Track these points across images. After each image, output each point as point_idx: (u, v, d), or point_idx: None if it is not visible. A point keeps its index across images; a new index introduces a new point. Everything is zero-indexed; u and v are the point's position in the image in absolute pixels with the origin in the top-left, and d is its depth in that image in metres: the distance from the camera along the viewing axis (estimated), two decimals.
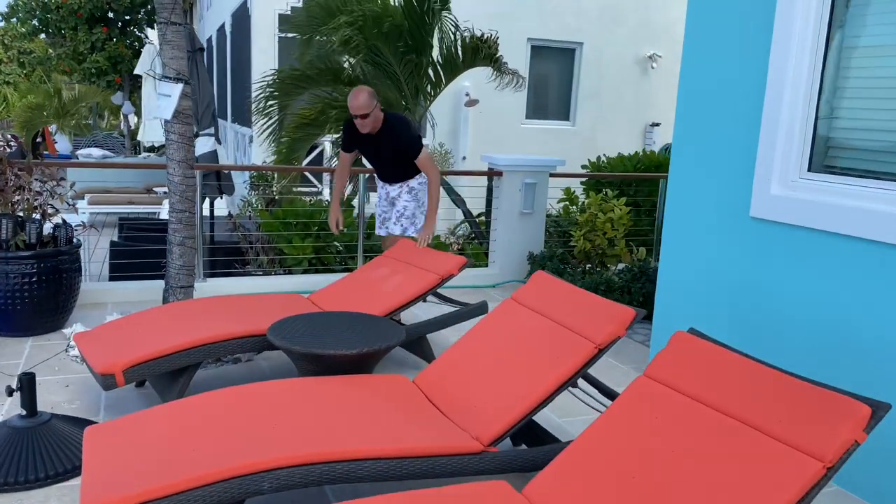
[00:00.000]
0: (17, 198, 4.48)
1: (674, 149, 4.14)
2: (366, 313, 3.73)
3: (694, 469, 2.06)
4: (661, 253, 4.25)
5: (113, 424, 2.61)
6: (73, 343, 4.36)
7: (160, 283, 5.49)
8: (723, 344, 2.46)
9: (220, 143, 10.20)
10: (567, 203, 6.87)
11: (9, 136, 5.21)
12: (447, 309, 4.34)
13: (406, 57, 6.97)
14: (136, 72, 13.20)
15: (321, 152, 9.83)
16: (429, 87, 7.36)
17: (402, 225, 4.84)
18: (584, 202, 7.04)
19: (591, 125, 11.46)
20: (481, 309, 4.25)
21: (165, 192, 11.71)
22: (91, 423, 3.29)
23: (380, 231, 5.03)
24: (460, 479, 2.36)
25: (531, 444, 3.02)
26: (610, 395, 2.90)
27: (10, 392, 2.97)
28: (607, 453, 2.26)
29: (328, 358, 3.06)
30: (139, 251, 5.93)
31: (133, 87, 19.72)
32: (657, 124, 11.83)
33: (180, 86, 4.27)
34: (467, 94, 10.37)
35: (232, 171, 6.74)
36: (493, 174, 6.50)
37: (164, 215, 9.45)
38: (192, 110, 4.40)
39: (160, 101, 4.28)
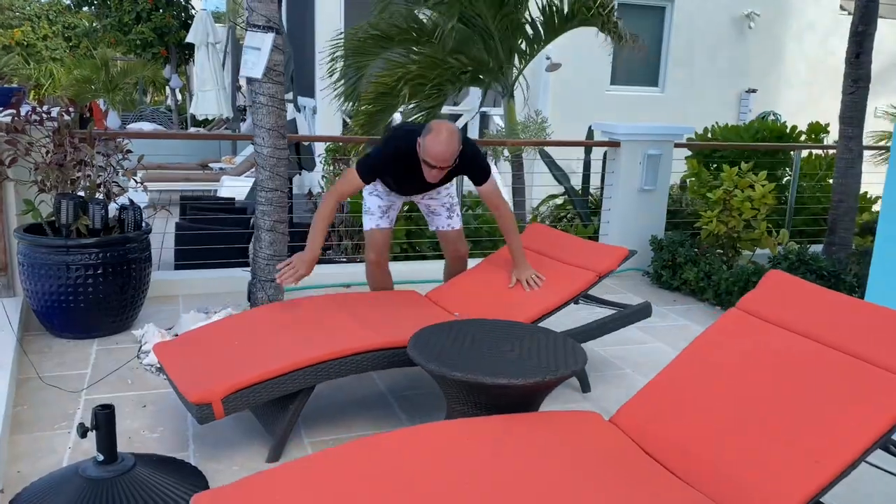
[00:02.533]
0: (77, 174, 3.76)
1: None
2: (516, 321, 2.92)
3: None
4: (878, 236, 3.35)
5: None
6: (145, 348, 3.65)
7: (238, 273, 4.79)
8: None
9: (297, 108, 9.45)
10: (693, 179, 5.96)
11: (66, 101, 4.49)
12: (585, 311, 3.52)
13: (502, 11, 6.07)
14: (188, 40, 12.57)
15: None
16: (524, 44, 6.47)
17: (456, 214, 3.78)
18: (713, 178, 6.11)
19: (681, 92, 10.43)
20: (645, 311, 3.41)
21: (222, 168, 11.07)
22: (181, 461, 2.57)
23: (433, 227, 3.84)
24: None
25: None
26: None
27: (83, 433, 2.25)
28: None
29: (498, 389, 2.26)
30: (209, 235, 5.21)
31: (180, 59, 19.11)
32: (753, 90, 10.74)
33: (271, 36, 3.49)
34: (548, 58, 9.43)
35: (312, 146, 5.97)
36: (608, 145, 5.61)
37: (223, 193, 8.76)
38: (283, 67, 3.61)
39: (247, 55, 3.50)
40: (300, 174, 6.01)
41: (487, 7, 6.00)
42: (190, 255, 5.31)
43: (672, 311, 4.76)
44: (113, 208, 3.94)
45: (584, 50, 8.93)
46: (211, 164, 11.22)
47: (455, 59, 6.19)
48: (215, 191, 9.79)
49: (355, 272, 5.06)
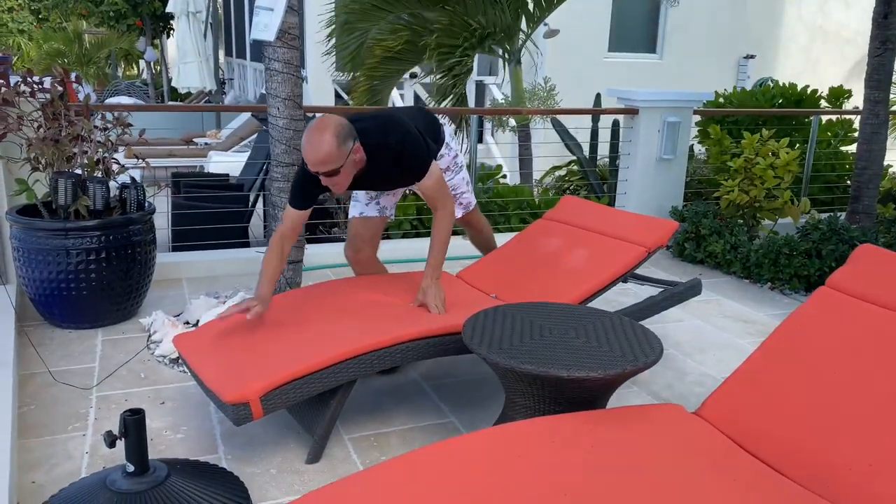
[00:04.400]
0: (74, 150, 3.45)
1: None
2: (570, 304, 2.70)
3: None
4: None
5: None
6: (155, 338, 3.39)
7: (242, 254, 4.53)
8: None
9: (304, 80, 9.06)
10: (713, 146, 5.74)
11: (58, 71, 4.14)
12: (616, 290, 3.31)
13: None
14: (168, 10, 12.03)
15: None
16: (532, 6, 6.17)
17: (471, 190, 3.34)
18: (734, 144, 5.90)
19: (679, 58, 10.19)
20: (696, 288, 3.21)
21: (207, 144, 10.66)
22: (215, 467, 2.33)
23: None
24: None
25: None
26: None
27: (112, 442, 2.00)
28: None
29: (574, 383, 2.04)
30: (208, 214, 4.91)
31: (155, 31, 18.46)
32: (752, 56, 10.53)
33: None
34: (546, 24, 9.12)
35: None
36: (627, 112, 5.38)
37: (213, 169, 8.40)
38: (298, 30, 3.32)
39: (259, 16, 3.20)
40: None
41: None
42: (188, 235, 5.01)
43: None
44: (113, 187, 3.64)
45: (582, 16, 8.67)
46: (195, 139, 10.82)
47: (466, 20, 5.89)
48: (202, 167, 9.41)
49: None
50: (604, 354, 2.13)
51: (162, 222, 5.62)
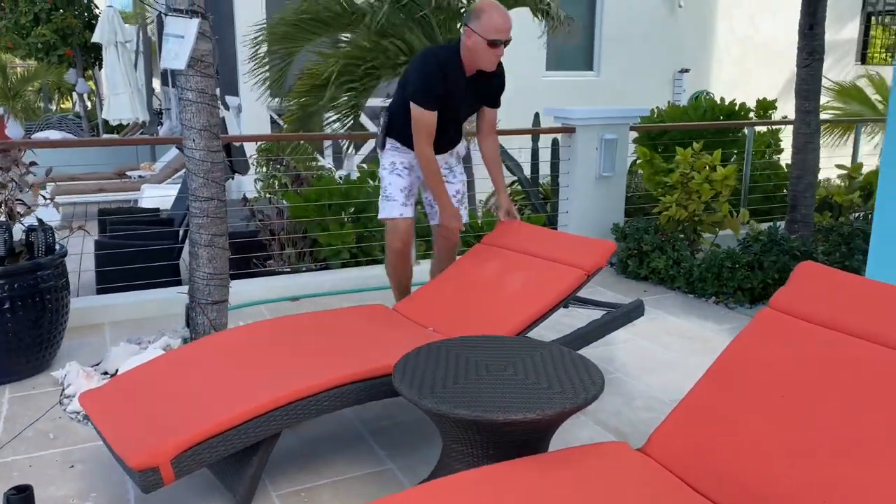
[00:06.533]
0: None
1: None
2: (506, 336, 2.57)
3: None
4: (876, 213, 3.14)
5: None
6: (69, 392, 3.13)
7: (172, 294, 4.28)
8: None
9: (226, 107, 8.82)
10: (645, 163, 5.72)
11: None
12: (576, 311, 3.21)
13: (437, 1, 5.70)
14: (94, 40, 11.65)
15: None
16: (461, 26, 6.11)
17: (464, 205, 3.60)
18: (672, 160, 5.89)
19: (617, 74, 10.28)
20: (639, 310, 3.12)
21: (141, 177, 10.31)
22: None
23: (433, 222, 3.64)
24: None
25: None
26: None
27: None
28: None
29: (510, 426, 1.90)
30: (134, 252, 4.65)
31: (87, 62, 17.95)
32: (687, 70, 10.71)
33: (196, 21, 3.01)
34: None
35: (243, 146, 5.45)
36: (563, 131, 5.32)
37: (145, 203, 8.09)
38: (213, 57, 3.14)
39: (169, 44, 3.01)
40: (232, 178, 5.49)
41: None
42: (114, 276, 4.73)
43: (646, 303, 4.50)
44: (19, 230, 3.38)
45: (518, 37, 8.64)
46: (129, 173, 10.45)
47: (392, 43, 5.79)
48: (136, 201, 9.08)
49: (302, 283, 4.62)
50: (542, 392, 2.00)
51: (87, 264, 5.34)
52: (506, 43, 3.14)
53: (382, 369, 2.34)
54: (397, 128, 3.37)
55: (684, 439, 1.93)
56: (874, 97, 9.52)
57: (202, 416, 2.12)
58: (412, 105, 3.16)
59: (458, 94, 3.25)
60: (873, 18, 13.30)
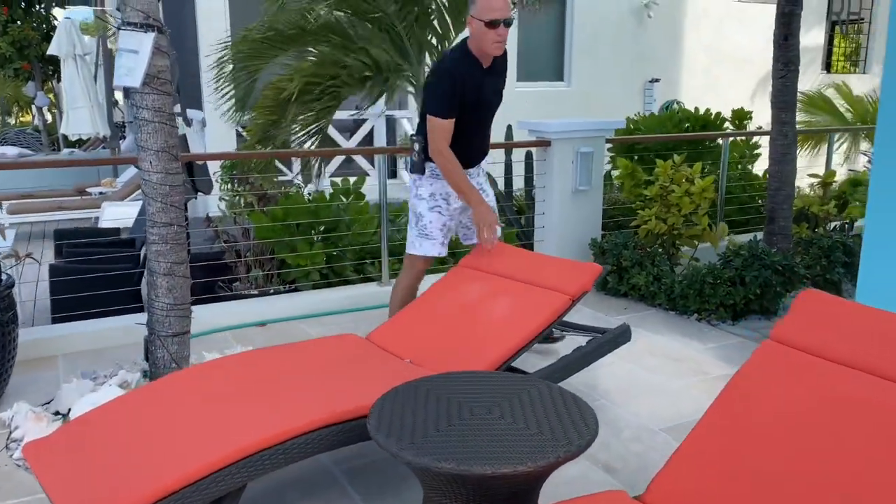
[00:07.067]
0: None
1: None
2: (490, 372, 2.41)
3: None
4: (867, 225, 3.04)
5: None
6: (16, 435, 2.90)
7: (131, 321, 4.04)
8: None
9: (188, 123, 8.56)
10: (626, 175, 5.61)
11: None
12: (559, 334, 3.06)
13: (406, 6, 5.55)
14: (50, 52, 11.27)
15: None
16: (434, 39, 5.98)
17: (499, 226, 3.43)
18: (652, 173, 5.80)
19: (587, 84, 10.21)
20: (625, 335, 2.98)
21: (102, 193, 9.96)
22: None
23: (469, 242, 3.56)
24: None
25: None
26: None
27: None
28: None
29: (496, 481, 1.73)
30: (91, 278, 4.40)
31: (45, 74, 17.48)
32: (657, 80, 10.69)
33: (152, 36, 2.82)
34: None
35: (207, 164, 5.23)
36: (538, 144, 5.19)
37: (106, 222, 7.77)
38: (170, 73, 2.94)
39: (123, 59, 2.80)
40: (195, 198, 5.26)
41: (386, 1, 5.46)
42: (70, 303, 4.47)
43: (628, 322, 4.36)
44: None
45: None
46: (89, 189, 10.10)
47: (356, 58, 5.63)
48: (96, 219, 8.74)
49: (270, 306, 4.41)
50: (532, 439, 1.83)
51: (42, 289, 5.06)
52: (506, 23, 3.07)
53: (356, 412, 2.16)
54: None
55: (685, 486, 1.78)
56: (842, 106, 9.59)
57: (156, 472, 1.92)
58: (429, 117, 3.14)
59: (477, 87, 3.18)
60: (837, 27, 13.48)
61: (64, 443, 2.19)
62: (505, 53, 3.26)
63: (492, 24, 3.03)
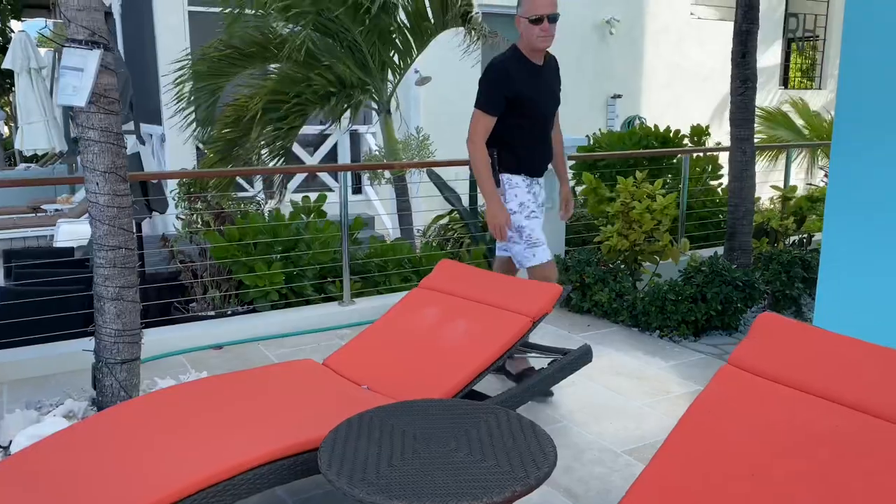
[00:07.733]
0: None
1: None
2: (448, 400, 2.35)
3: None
4: (824, 248, 3.06)
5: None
6: None
7: (79, 349, 3.90)
8: None
9: (142, 142, 8.40)
10: (590, 191, 5.61)
11: None
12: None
13: (363, 17, 5.51)
14: (4, 66, 11.00)
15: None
16: (396, 57, 5.96)
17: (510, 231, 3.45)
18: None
19: None
20: (587, 356, 2.94)
21: (59, 210, 9.71)
22: None
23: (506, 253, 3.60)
24: None
25: None
26: None
27: None
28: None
29: None
30: (41, 301, 4.25)
31: (2, 88, 17.08)
32: (619, 96, 10.80)
33: (97, 53, 2.72)
34: (417, 72, 8.95)
35: (162, 182, 5.11)
36: None
37: (61, 240, 7.56)
38: (118, 92, 2.85)
39: (67, 77, 2.71)
40: (150, 217, 5.13)
41: (348, 16, 5.42)
42: (18, 328, 4.30)
43: (591, 339, 4.36)
44: None
45: (453, 63, 8.56)
46: (44, 206, 9.83)
47: (319, 75, 5.58)
48: (52, 237, 8.51)
49: (228, 328, 4.30)
50: (489, 472, 1.78)
51: None
52: (551, 18, 3.16)
53: (307, 444, 2.09)
54: (505, 160, 3.30)
55: None
56: (798, 122, 9.79)
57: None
58: (474, 110, 3.19)
59: (530, 84, 3.26)
60: (793, 44, 13.79)
61: (13, 473, 2.07)
62: (555, 60, 3.47)
63: (537, 21, 3.14)
